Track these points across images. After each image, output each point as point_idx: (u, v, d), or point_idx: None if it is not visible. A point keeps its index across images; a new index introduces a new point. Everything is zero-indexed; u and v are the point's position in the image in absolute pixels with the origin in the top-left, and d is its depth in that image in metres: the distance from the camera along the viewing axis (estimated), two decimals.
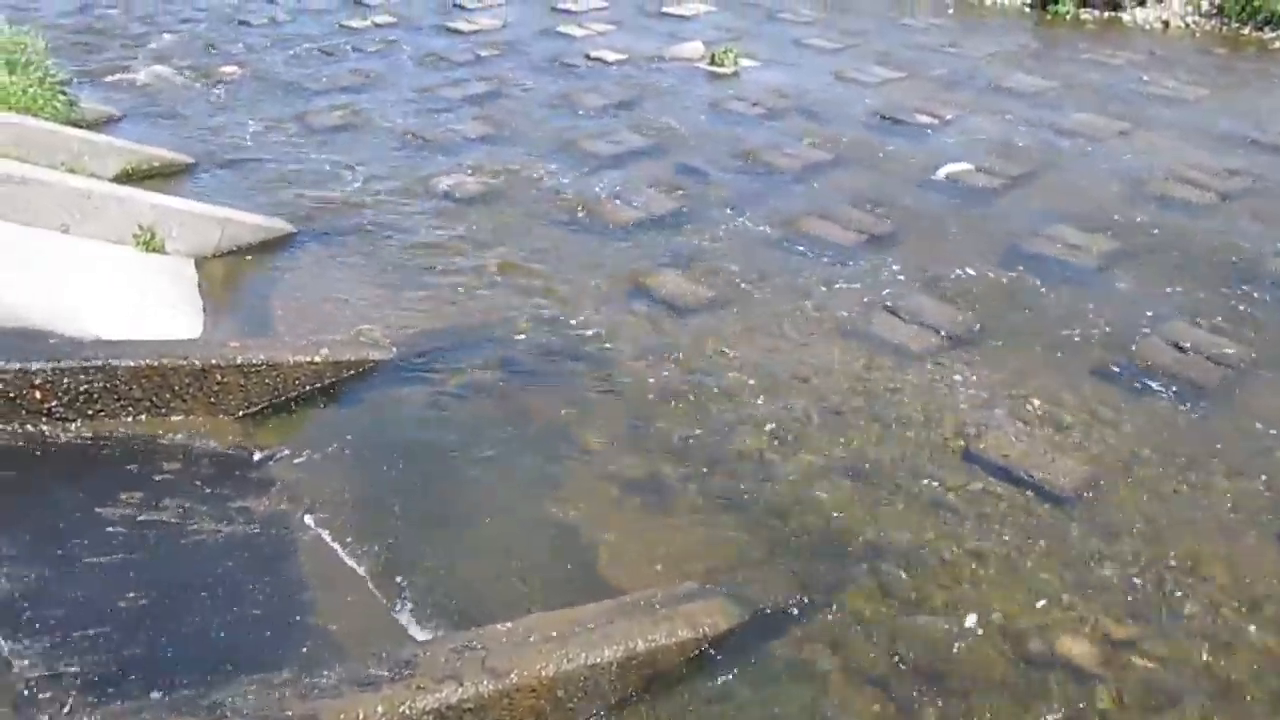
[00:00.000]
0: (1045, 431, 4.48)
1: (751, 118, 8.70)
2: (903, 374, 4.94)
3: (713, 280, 5.86)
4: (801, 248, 6.25)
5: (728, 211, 6.82)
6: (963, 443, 4.41)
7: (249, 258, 6.29)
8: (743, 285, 5.81)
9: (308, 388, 4.72)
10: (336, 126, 8.67)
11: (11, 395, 4.11)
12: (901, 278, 5.87)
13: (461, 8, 13.10)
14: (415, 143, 8.25)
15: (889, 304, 5.56)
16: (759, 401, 4.72)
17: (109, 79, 10.45)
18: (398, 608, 3.59)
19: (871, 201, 6.91)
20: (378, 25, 12.36)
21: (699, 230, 6.53)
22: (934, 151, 7.83)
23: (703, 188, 7.23)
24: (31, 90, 8.01)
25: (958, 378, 4.90)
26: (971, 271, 5.92)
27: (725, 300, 5.65)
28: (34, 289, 5.14)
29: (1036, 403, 4.69)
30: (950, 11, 12.60)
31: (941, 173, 7.40)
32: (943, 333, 5.29)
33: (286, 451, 4.37)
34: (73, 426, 4.30)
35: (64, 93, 8.53)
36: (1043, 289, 5.73)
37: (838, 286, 5.78)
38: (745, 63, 10.19)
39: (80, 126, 7.99)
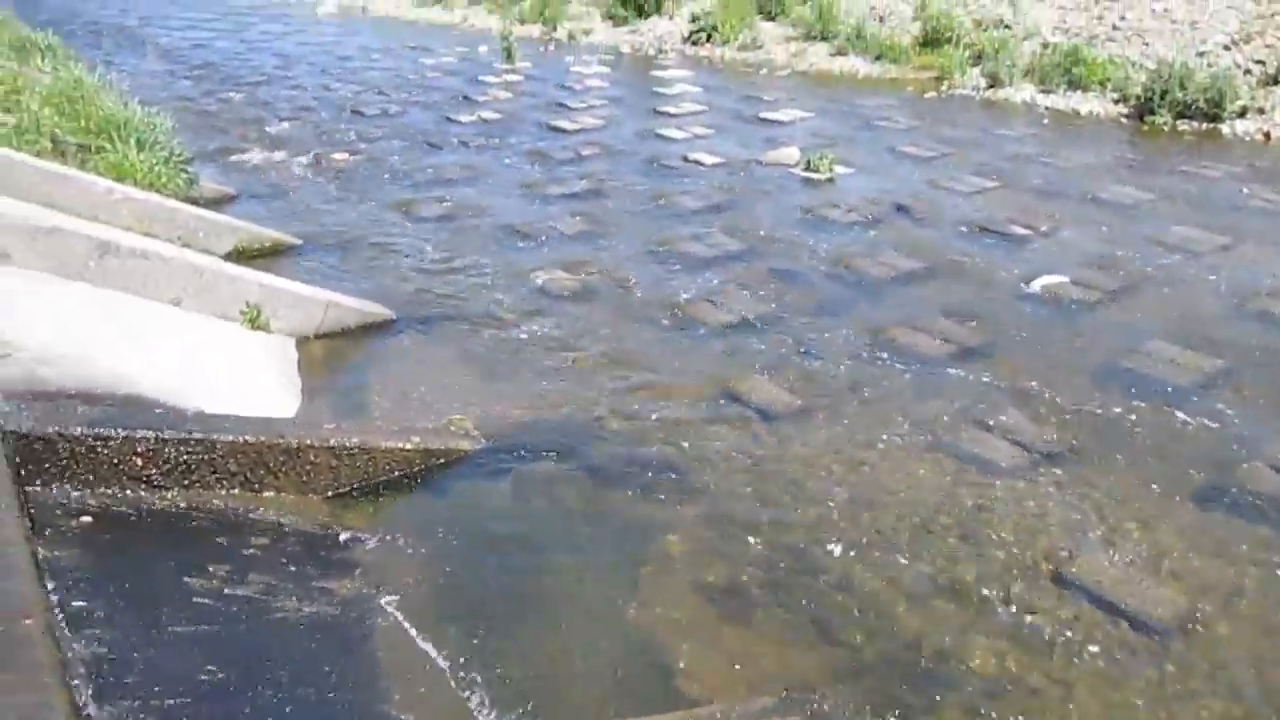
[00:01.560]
0: (1142, 558, 4.31)
1: (845, 224, 8.75)
2: (992, 491, 4.82)
3: (802, 387, 5.84)
4: (892, 357, 6.20)
5: (819, 318, 6.82)
6: (1054, 565, 4.27)
7: (349, 340, 6.47)
8: (832, 393, 5.78)
9: (397, 473, 4.80)
10: (440, 216, 8.95)
11: (115, 461, 4.25)
12: (993, 392, 5.77)
13: (565, 107, 13.54)
14: (514, 236, 8.47)
15: (980, 418, 5.46)
16: (845, 513, 4.64)
17: (228, 159, 11.01)
18: (473, 701, 3.57)
19: (964, 312, 6.84)
20: (484, 121, 12.83)
21: (790, 336, 6.53)
22: (1028, 263, 7.75)
23: (795, 293, 7.26)
24: (157, 168, 8.48)
25: (1050, 497, 4.76)
26: (1066, 388, 5.79)
27: (814, 408, 5.61)
28: (145, 359, 5.35)
29: (1132, 527, 4.52)
30: (1045, 122, 12.59)
31: (1036, 285, 7.31)
32: (1035, 450, 5.16)
33: (371, 535, 4.42)
34: (169, 495, 4.42)
35: (186, 171, 9.01)
36: (1140, 408, 5.57)
37: (928, 398, 5.70)
38: (840, 169, 10.29)
39: (198, 204, 8.41)
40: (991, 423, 5.40)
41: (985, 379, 5.91)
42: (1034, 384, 5.83)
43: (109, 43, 20.62)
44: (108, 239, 5.99)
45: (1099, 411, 5.54)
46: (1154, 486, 4.84)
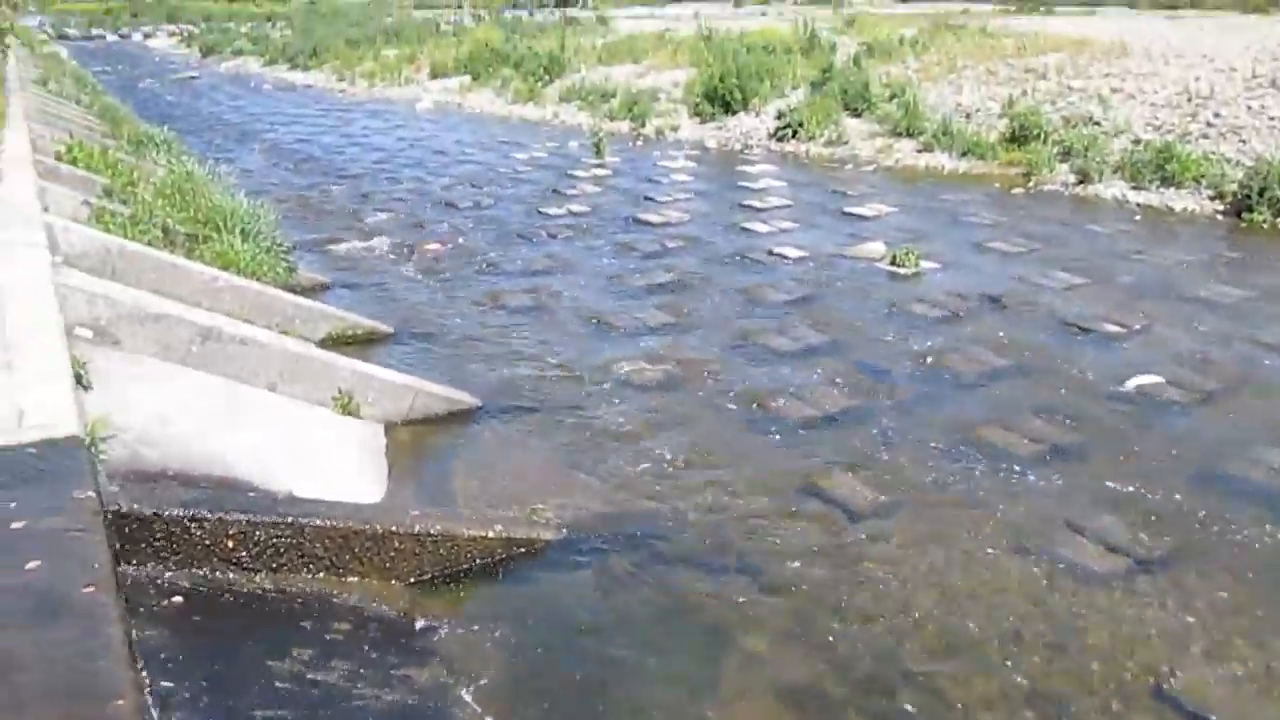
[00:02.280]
0: (1249, 675, 4.10)
1: (931, 319, 8.68)
2: (1087, 598, 4.65)
3: (886, 484, 5.74)
4: (980, 456, 6.08)
5: (905, 414, 6.73)
6: (1153, 680, 4.07)
7: (435, 427, 6.59)
8: (918, 492, 5.67)
9: (478, 561, 4.82)
10: (527, 307, 9.13)
11: (208, 542, 4.35)
12: (1086, 494, 5.61)
13: (652, 201, 13.80)
14: (599, 327, 8.58)
15: (1072, 521, 5.30)
16: (930, 616, 4.52)
17: (326, 248, 11.42)
18: None
19: (1054, 411, 6.69)
20: (573, 213, 13.13)
21: (874, 432, 6.46)
22: (1121, 362, 7.57)
23: (880, 388, 7.19)
24: (259, 257, 8.82)
25: (1148, 606, 4.58)
26: (1163, 492, 5.59)
27: (899, 506, 5.51)
28: (240, 442, 5.51)
29: (1239, 642, 4.31)
30: (1137, 218, 12.41)
31: (1130, 385, 7.13)
32: (1132, 556, 4.98)
33: (452, 623, 4.43)
34: (257, 577, 4.49)
35: (286, 260, 9.36)
36: (1245, 515, 5.34)
37: (1018, 499, 5.56)
38: (926, 264, 10.25)
39: (296, 291, 8.70)
40: (1085, 526, 5.24)
41: (1078, 480, 5.75)
42: (1130, 487, 5.65)
43: (220, 137, 21.71)
44: (210, 325, 6.23)
45: (1200, 517, 5.34)
46: (1262, 598, 4.62)
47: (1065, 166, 14.34)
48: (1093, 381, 7.24)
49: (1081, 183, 13.85)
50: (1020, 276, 9.88)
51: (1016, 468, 5.92)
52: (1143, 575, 4.82)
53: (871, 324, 8.60)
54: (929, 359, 7.72)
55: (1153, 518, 5.33)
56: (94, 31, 79.98)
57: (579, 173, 16.26)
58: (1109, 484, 5.69)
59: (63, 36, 70.78)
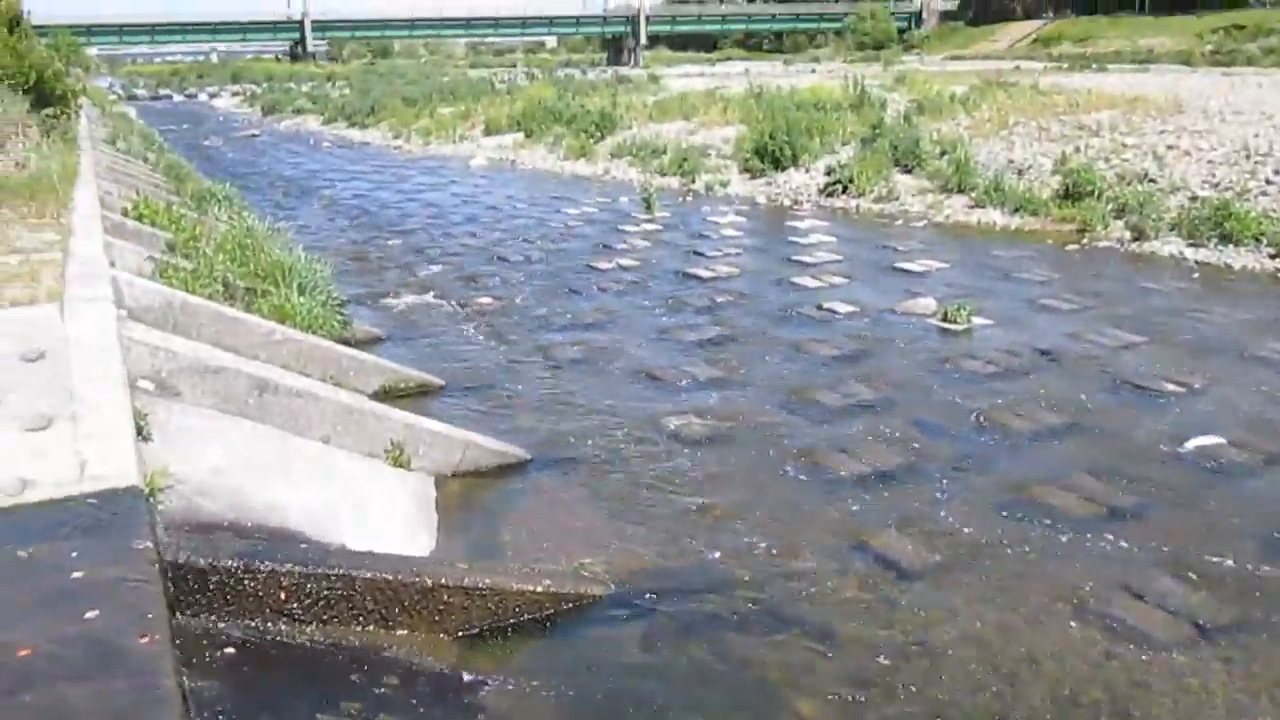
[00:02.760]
0: None
1: (984, 376, 8.58)
2: (1149, 665, 4.52)
3: (939, 543, 5.65)
4: (1035, 516, 5.96)
5: (958, 472, 6.64)
6: None
7: (485, 480, 6.62)
8: (971, 551, 5.57)
9: (526, 616, 4.81)
10: (576, 360, 9.18)
11: (261, 594, 4.39)
12: (1146, 557, 5.47)
13: (701, 255, 13.87)
14: (649, 381, 8.60)
15: (1131, 585, 5.16)
16: (986, 681, 4.41)
17: (380, 302, 11.61)
18: None
19: (1112, 472, 6.56)
20: (623, 268, 13.23)
21: (926, 489, 6.37)
22: (1181, 422, 7.42)
23: (932, 445, 7.11)
24: (315, 310, 8.96)
25: (1214, 674, 4.43)
26: (1227, 556, 5.44)
27: (951, 565, 5.42)
28: (294, 493, 5.57)
29: None
30: (1195, 276, 12.21)
31: (1190, 445, 6.97)
32: (1195, 622, 4.83)
33: (500, 678, 4.41)
34: (308, 629, 4.51)
35: (341, 313, 9.51)
36: None
37: (1075, 561, 5.43)
38: (978, 320, 10.17)
39: (351, 344, 8.83)
40: (1145, 590, 5.11)
41: (1138, 543, 5.61)
42: (1191, 550, 5.50)
43: (280, 193, 22.26)
44: (267, 377, 6.34)
45: (1266, 583, 5.18)
46: None
47: (1120, 223, 14.20)
48: (1151, 441, 7.10)
49: (1137, 240, 13.68)
50: (1075, 333, 9.75)
51: (1073, 529, 5.79)
52: (1206, 643, 4.68)
53: (923, 380, 8.52)
54: (982, 416, 7.63)
55: (1216, 583, 5.18)
56: (161, 92, 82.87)
57: (629, 228, 16.41)
58: (1170, 547, 5.55)
59: (132, 97, 73.39)
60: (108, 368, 4.84)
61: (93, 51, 78.98)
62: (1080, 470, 6.60)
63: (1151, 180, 15.09)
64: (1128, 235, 13.87)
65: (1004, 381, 8.46)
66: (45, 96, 14.95)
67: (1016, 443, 7.15)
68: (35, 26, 22.96)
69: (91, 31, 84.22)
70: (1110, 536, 5.69)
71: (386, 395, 7.96)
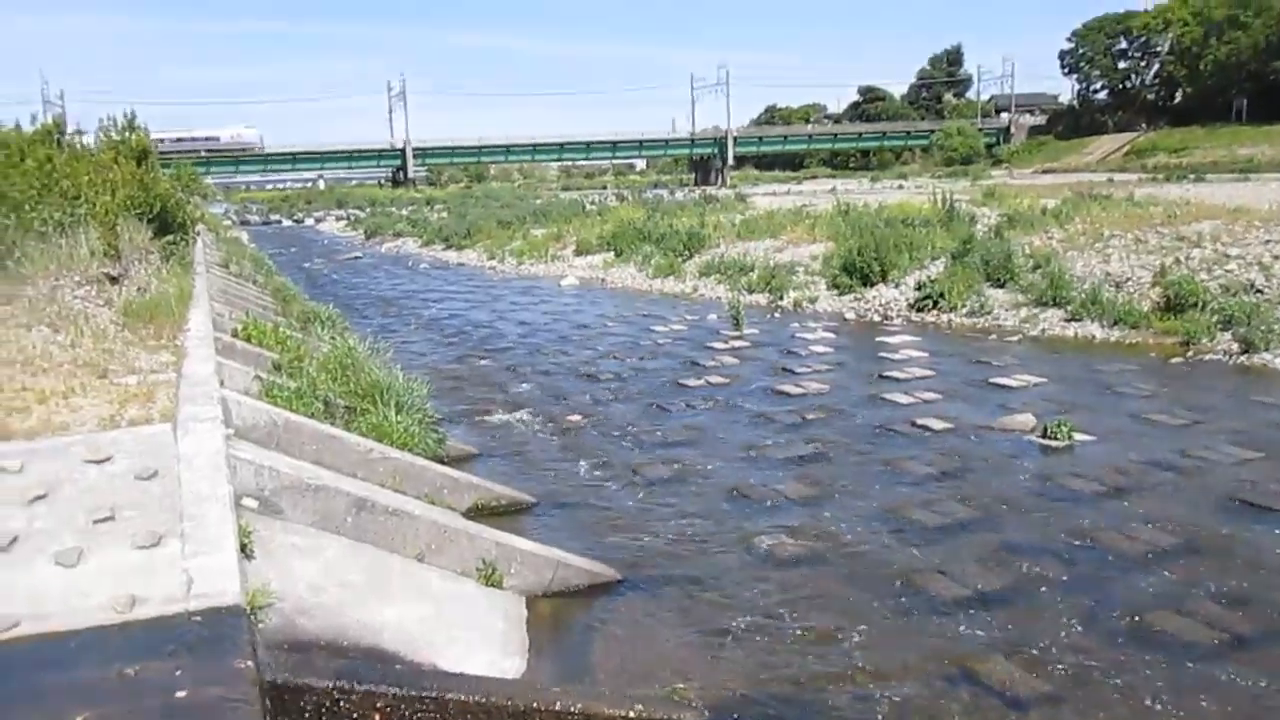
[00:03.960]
0: None
1: (1088, 495, 8.29)
2: None
3: (1049, 672, 5.40)
4: (1152, 644, 5.67)
5: (1065, 596, 6.37)
6: None
7: (576, 600, 6.57)
8: (1084, 681, 5.31)
9: None
10: (667, 478, 9.16)
11: (355, 715, 4.38)
12: (1276, 690, 5.13)
13: (790, 372, 13.83)
14: (740, 499, 8.51)
15: None
16: None
17: (473, 419, 11.79)
18: None
19: (1233, 597, 6.22)
20: (712, 385, 13.26)
21: (1031, 614, 6.12)
22: None
23: (1035, 568, 6.85)
24: (411, 428, 9.14)
25: None
26: None
27: (1062, 696, 5.16)
28: (389, 612, 5.60)
29: None
30: None
31: None
32: None
33: None
34: None
35: (436, 431, 9.68)
36: None
37: (1198, 693, 5.13)
38: (1080, 436, 9.88)
39: (445, 462, 8.97)
40: None
41: (1266, 675, 5.28)
42: None
43: (379, 313, 23.01)
44: (364, 496, 6.46)
45: None
46: None
47: (1227, 335, 13.79)
48: (1273, 564, 6.74)
49: (1246, 352, 13.24)
50: (1184, 450, 9.39)
51: (1195, 659, 5.49)
52: None
53: (1024, 499, 8.27)
54: (1089, 537, 7.34)
55: None
56: (272, 216, 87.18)
57: (717, 344, 16.49)
58: None
59: (245, 222, 77.34)
60: (215, 486, 4.99)
61: (210, 180, 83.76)
62: (1200, 595, 6.28)
63: (1259, 291, 14.68)
64: (1235, 347, 13.44)
65: (1111, 500, 8.15)
66: (167, 224, 15.83)
67: (1128, 565, 6.85)
68: (163, 154, 24.44)
69: (210, 162, 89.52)
70: (1237, 667, 5.38)
71: (479, 512, 8.03)
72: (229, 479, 5.17)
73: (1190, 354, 13.77)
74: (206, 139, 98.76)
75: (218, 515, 4.66)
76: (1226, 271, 15.67)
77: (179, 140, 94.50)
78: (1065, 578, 6.66)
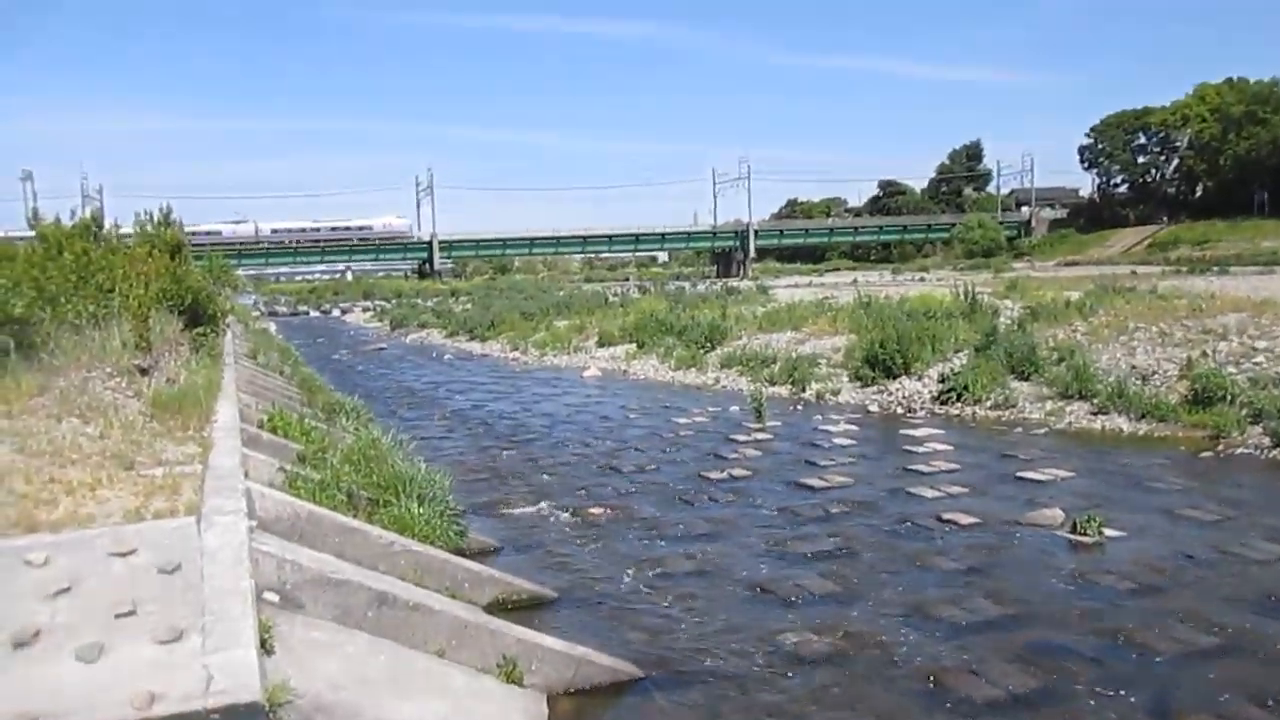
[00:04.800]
0: None
1: (1121, 592, 8.13)
2: None
3: None
4: None
5: (1100, 697, 6.21)
6: None
7: (597, 698, 6.46)
8: None
9: None
10: (689, 572, 9.06)
11: None
12: None
13: (814, 464, 13.75)
14: (764, 595, 8.40)
15: None
16: None
17: (495, 511, 11.74)
18: None
19: (1274, 700, 6.04)
20: (734, 477, 13.18)
21: (1065, 716, 5.95)
22: None
23: (1068, 666, 6.69)
24: (433, 521, 9.13)
25: None
26: None
27: None
28: (408, 710, 5.52)
29: None
30: None
31: None
32: None
33: None
34: None
35: (457, 523, 9.65)
36: None
37: None
38: (1111, 531, 9.72)
39: (466, 555, 8.92)
40: None
41: None
42: None
43: (403, 404, 23.13)
44: (385, 590, 6.42)
45: None
46: None
47: (1257, 429, 13.62)
48: None
49: (1277, 446, 13.06)
50: (1218, 546, 9.21)
51: None
52: None
53: (1055, 596, 8.11)
54: (1122, 636, 7.18)
55: None
56: (300, 308, 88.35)
57: (740, 436, 16.43)
58: None
59: (273, 313, 78.37)
60: (237, 580, 4.98)
61: (240, 272, 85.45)
62: (1241, 698, 6.11)
63: None
64: (1267, 441, 13.27)
65: (1144, 598, 7.99)
66: (197, 316, 16.10)
67: (1163, 665, 6.69)
68: (195, 248, 24.95)
69: (242, 254, 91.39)
70: None
71: (500, 607, 7.95)
72: (251, 573, 5.16)
73: (1220, 448, 13.60)
74: (360, 228, 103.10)
75: (239, 610, 4.64)
76: (1255, 364, 15.56)
77: (334, 229, 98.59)
78: (1098, 678, 6.50)
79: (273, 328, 48.13)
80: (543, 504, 12.02)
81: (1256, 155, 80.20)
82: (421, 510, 9.16)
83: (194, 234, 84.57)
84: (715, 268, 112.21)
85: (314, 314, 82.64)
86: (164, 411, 9.07)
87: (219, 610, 4.61)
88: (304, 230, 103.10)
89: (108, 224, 18.24)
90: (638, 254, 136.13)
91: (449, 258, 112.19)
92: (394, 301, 74.06)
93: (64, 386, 9.42)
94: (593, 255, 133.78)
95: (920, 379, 19.60)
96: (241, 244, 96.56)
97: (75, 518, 5.93)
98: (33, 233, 15.93)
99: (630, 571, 9.20)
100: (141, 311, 12.37)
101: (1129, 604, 7.87)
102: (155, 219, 17.93)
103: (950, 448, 14.65)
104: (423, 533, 8.80)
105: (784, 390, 21.36)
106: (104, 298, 12.76)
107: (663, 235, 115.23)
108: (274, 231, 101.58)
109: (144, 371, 10.91)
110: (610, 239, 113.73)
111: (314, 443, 11.01)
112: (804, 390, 20.96)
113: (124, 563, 5.31)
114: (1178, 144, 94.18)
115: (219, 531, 5.67)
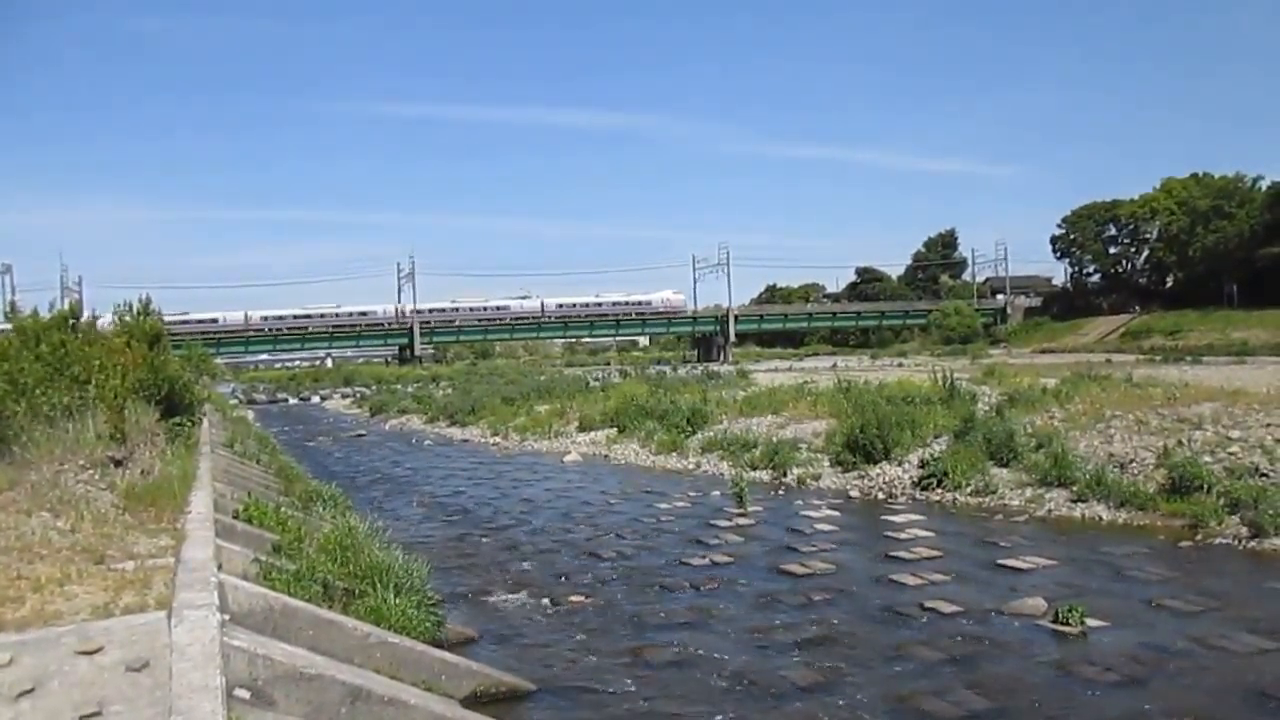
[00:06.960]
0: None
1: (1104, 684, 8.06)
2: None
3: None
4: None
5: None
6: None
7: None
8: None
9: None
10: (669, 662, 8.93)
11: None
12: None
13: (795, 550, 13.67)
14: (745, 686, 8.28)
15: None
16: None
17: (473, 600, 11.58)
18: None
19: None
20: (715, 564, 13.08)
21: None
22: None
23: None
24: (409, 611, 8.99)
25: None
26: None
27: None
28: None
29: None
30: None
31: None
32: None
33: None
34: None
35: (435, 613, 9.50)
36: None
37: None
38: (1093, 621, 9.66)
39: (443, 646, 8.77)
40: None
41: None
42: None
43: (381, 491, 22.91)
44: (359, 685, 6.29)
45: None
46: None
47: (1235, 519, 13.64)
48: None
49: (1255, 536, 13.07)
50: (1199, 637, 9.16)
51: None
52: None
53: (1039, 688, 8.03)
54: None
55: None
56: (279, 395, 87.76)
57: (721, 522, 16.34)
58: None
59: (251, 401, 77.82)
60: (207, 677, 4.86)
61: (220, 360, 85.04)
62: None
63: (1263, 474, 14.61)
64: (1244, 531, 13.29)
65: (1128, 690, 7.92)
66: (174, 405, 16.01)
67: None
68: (173, 336, 24.90)
69: (221, 342, 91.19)
70: None
71: (477, 700, 7.81)
72: (221, 669, 5.04)
73: (1199, 537, 13.60)
74: (498, 309, 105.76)
75: (208, 708, 4.52)
76: (1229, 454, 15.65)
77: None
78: None
79: (250, 415, 47.82)
80: (522, 592, 11.88)
81: (1224, 248, 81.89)
82: (398, 600, 9.03)
83: (185, 322, 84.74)
84: (696, 352, 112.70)
85: (293, 401, 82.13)
86: (137, 503, 8.96)
87: (187, 709, 4.49)
88: (295, 317, 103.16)
89: (86, 314, 18.23)
90: (619, 339, 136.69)
91: (430, 343, 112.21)
92: (374, 388, 73.75)
93: (35, 480, 9.30)
94: (574, 339, 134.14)
95: (901, 464, 19.61)
96: (225, 332, 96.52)
97: (41, 615, 5.81)
98: (9, 326, 15.92)
99: (609, 661, 9.06)
100: (116, 402, 12.29)
101: (1113, 697, 7.79)
102: (134, 309, 17.93)
103: (932, 534, 14.60)
104: (399, 623, 8.66)
105: (765, 475, 21.31)
106: (79, 389, 12.68)
107: (644, 320, 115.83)
108: (264, 319, 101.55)
109: (118, 463, 10.80)
110: (591, 323, 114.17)
111: (290, 532, 10.85)
112: (785, 475, 20.92)
113: (91, 661, 5.20)
114: (1147, 236, 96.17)
115: (189, 626, 5.56)
